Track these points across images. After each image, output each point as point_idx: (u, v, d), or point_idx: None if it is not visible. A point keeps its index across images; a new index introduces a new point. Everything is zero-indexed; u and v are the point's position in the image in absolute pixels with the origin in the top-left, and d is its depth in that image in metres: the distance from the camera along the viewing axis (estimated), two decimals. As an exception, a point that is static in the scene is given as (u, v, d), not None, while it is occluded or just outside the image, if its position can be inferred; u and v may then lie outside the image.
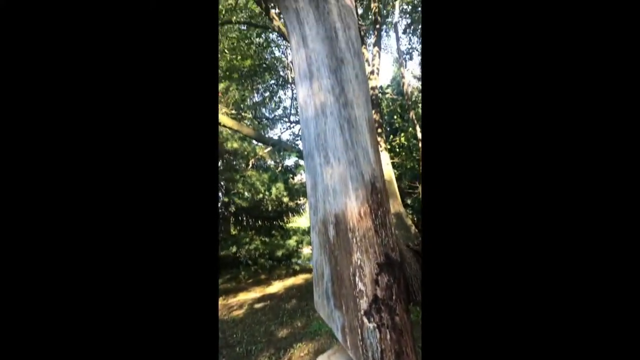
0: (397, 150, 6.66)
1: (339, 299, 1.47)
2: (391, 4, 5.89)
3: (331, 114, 1.64)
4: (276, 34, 4.86)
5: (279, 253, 8.15)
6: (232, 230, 9.52)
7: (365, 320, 1.41)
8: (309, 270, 8.40)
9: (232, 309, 5.45)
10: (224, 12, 5.26)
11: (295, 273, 8.29)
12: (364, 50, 4.75)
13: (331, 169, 1.58)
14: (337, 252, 1.51)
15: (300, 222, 10.07)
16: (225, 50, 6.23)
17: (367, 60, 4.76)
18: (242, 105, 6.68)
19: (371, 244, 1.50)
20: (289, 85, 7.11)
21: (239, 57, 5.55)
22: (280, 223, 9.24)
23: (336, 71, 1.69)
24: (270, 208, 8.56)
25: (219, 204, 9.36)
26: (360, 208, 1.53)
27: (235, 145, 8.32)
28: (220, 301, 5.81)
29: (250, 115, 6.78)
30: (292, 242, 8.35)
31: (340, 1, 1.83)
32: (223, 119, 4.47)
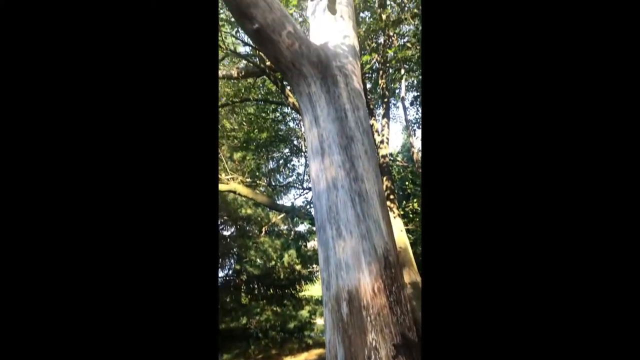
0: (411, 216, 6.62)
1: (354, 384, 1.38)
2: (397, 80, 6.34)
3: (342, 187, 1.70)
4: (290, 108, 5.21)
5: (291, 325, 7.73)
6: (243, 300, 9.20)
7: (383, 409, 1.29)
8: (322, 344, 7.85)
9: (239, 390, 5.03)
10: (243, 90, 5.74)
11: (307, 347, 7.76)
12: (373, 122, 4.99)
13: (343, 242, 1.59)
14: (351, 332, 1.44)
15: (313, 290, 9.70)
16: (244, 123, 6.65)
17: (376, 131, 4.98)
18: (257, 173, 6.91)
19: (386, 323, 1.43)
20: (302, 154, 7.39)
21: (256, 130, 5.90)
22: (293, 292, 8.92)
23: (346, 148, 1.79)
24: (282, 276, 8.33)
25: (231, 272, 9.20)
26: (374, 284, 1.50)
27: (249, 211, 8.42)
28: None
29: (264, 183, 6.96)
30: (304, 312, 7.96)
31: (350, 85, 2.00)
32: (238, 187, 4.63)
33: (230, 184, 4.68)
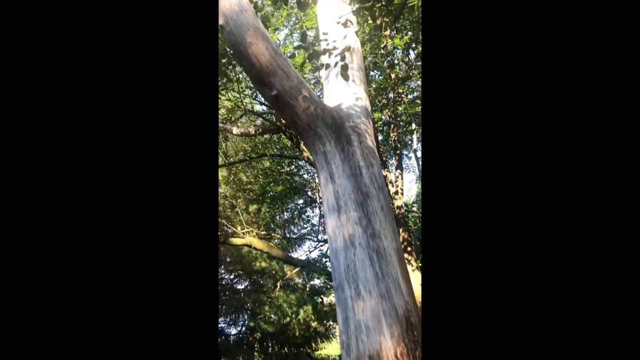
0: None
1: None
2: (409, 132, 6.51)
3: (360, 245, 1.69)
4: (305, 161, 5.35)
5: (307, 389, 7.21)
6: (256, 359, 8.73)
7: None
8: (342, 412, 7.20)
9: None
10: (260, 145, 5.97)
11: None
12: (386, 173, 5.05)
13: (362, 302, 1.55)
14: (374, 402, 1.35)
15: (330, 348, 9.16)
16: (259, 177, 6.82)
17: (390, 182, 5.02)
18: (272, 225, 6.94)
19: (411, 393, 1.34)
20: (316, 204, 7.43)
21: (272, 184, 6.03)
22: (308, 350, 8.44)
23: (362, 204, 1.81)
24: (297, 333, 7.95)
25: (244, 328, 8.83)
26: (396, 348, 1.43)
27: (264, 264, 8.30)
28: None
29: (279, 235, 6.96)
30: (321, 374, 7.45)
31: (363, 143, 2.08)
32: (254, 241, 4.64)
33: (246, 237, 4.69)
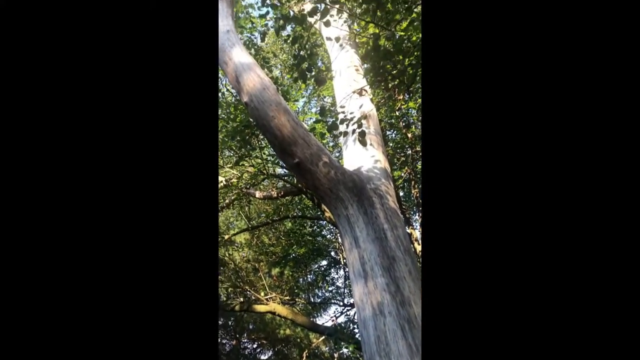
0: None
1: None
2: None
3: (390, 314, 1.61)
4: (327, 222, 5.34)
5: None
6: None
7: None
8: None
9: None
10: (282, 208, 6.05)
11: None
12: (411, 230, 4.94)
13: (397, 379, 1.43)
14: None
15: None
16: (282, 238, 6.80)
17: (416, 239, 4.89)
18: (295, 290, 6.73)
19: None
20: (340, 266, 7.22)
21: (294, 247, 5.98)
22: None
23: (389, 269, 1.76)
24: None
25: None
26: None
27: (288, 332, 7.90)
28: None
29: (303, 300, 6.71)
30: None
31: (385, 205, 2.08)
32: (277, 307, 4.49)
33: (270, 304, 4.55)
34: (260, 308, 4.46)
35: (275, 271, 7.13)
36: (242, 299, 5.05)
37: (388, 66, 1.72)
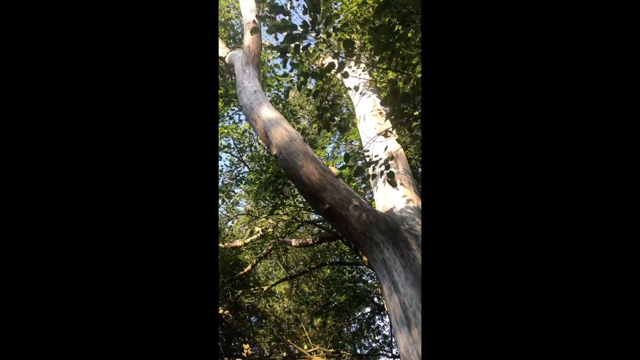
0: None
1: None
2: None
3: (439, 365, 1.49)
4: (366, 266, 5.19)
5: None
6: None
7: None
8: None
9: None
10: (319, 255, 5.98)
11: None
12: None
13: None
14: None
15: None
16: (321, 286, 6.64)
17: None
18: (339, 341, 6.42)
19: None
20: (385, 312, 6.86)
21: (335, 294, 5.81)
22: None
23: (433, 315, 1.65)
24: None
25: None
26: None
27: (336, 388, 7.40)
28: None
29: (349, 352, 6.34)
30: None
31: (421, 246, 2.01)
32: (322, 363, 4.26)
33: (313, 358, 4.35)
34: (303, 363, 4.26)
35: (317, 321, 6.88)
36: (284, 354, 4.88)
37: (408, 109, 1.76)
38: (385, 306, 6.36)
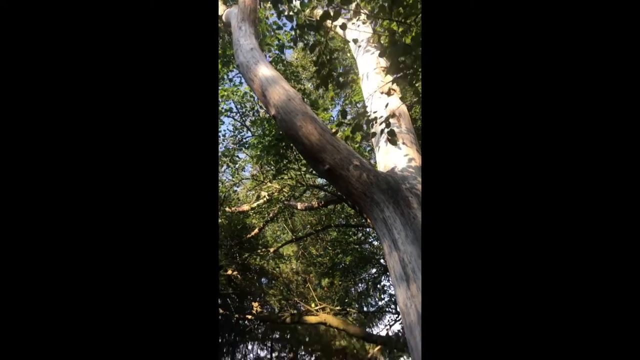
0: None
1: None
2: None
3: (436, 318, 1.51)
4: (372, 228, 5.24)
5: None
6: None
7: None
8: None
9: None
10: (324, 217, 6.05)
11: None
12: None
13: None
14: None
15: None
16: (328, 248, 6.78)
17: None
18: (346, 299, 6.66)
19: None
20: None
21: (341, 255, 5.94)
22: None
23: (432, 271, 1.66)
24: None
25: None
26: None
27: (344, 343, 7.80)
28: None
29: (355, 310, 6.60)
30: None
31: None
32: (329, 318, 4.45)
33: (320, 315, 4.52)
34: (311, 319, 4.44)
35: (325, 282, 7.11)
36: (293, 311, 5.10)
37: (408, 61, 1.66)
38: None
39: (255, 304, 5.15)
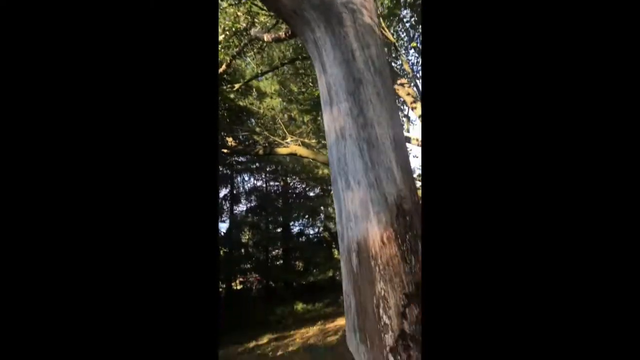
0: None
1: (364, 332, 1.37)
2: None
3: (350, 136, 1.59)
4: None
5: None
6: (335, 254, 9.72)
7: (391, 357, 1.26)
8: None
9: (327, 335, 5.48)
10: (303, 50, 5.66)
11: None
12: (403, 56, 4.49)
13: (352, 193, 1.52)
14: (361, 283, 1.41)
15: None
16: (311, 83, 6.65)
17: (409, 61, 4.48)
18: (320, 132, 6.97)
19: (396, 272, 1.36)
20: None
21: (313, 89, 5.85)
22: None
23: (354, 93, 1.65)
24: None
25: (319, 230, 9.65)
26: (383, 233, 1.41)
27: (326, 171, 8.62)
28: (317, 326, 5.87)
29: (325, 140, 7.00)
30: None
31: (358, 21, 1.80)
32: (298, 149, 4.74)
33: (291, 146, 4.81)
34: (282, 151, 4.75)
35: (307, 118, 7.28)
36: (265, 145, 5.34)
37: None
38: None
39: (229, 139, 5.40)
